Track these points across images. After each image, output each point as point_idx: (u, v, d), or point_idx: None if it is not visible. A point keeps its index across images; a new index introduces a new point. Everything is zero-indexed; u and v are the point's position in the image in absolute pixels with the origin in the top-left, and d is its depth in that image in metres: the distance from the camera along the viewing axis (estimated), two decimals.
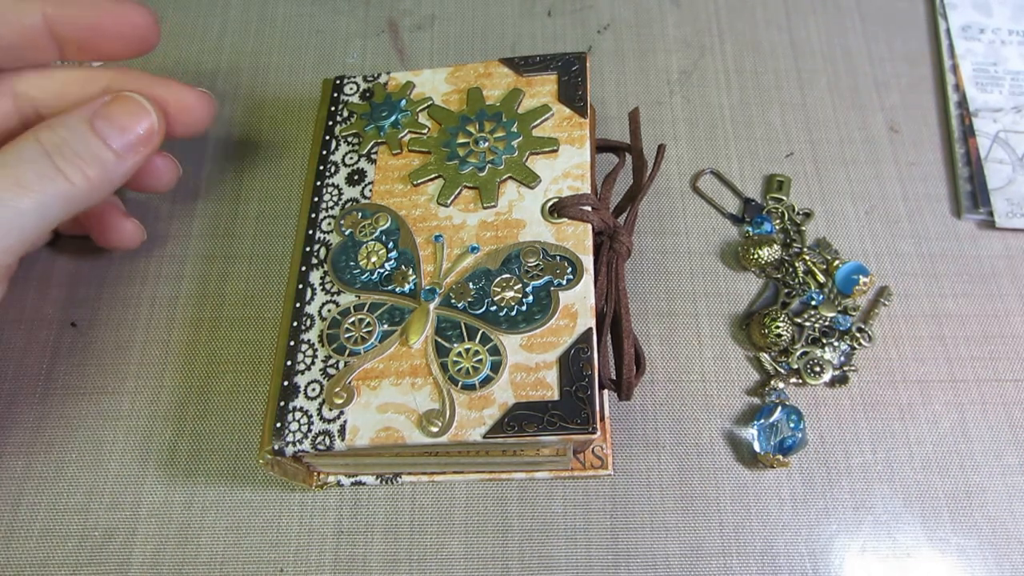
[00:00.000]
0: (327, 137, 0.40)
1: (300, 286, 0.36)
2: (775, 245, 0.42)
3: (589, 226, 0.35)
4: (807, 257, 0.42)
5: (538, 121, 0.38)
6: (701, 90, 0.48)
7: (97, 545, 0.36)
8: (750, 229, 0.44)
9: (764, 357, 0.41)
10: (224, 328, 0.41)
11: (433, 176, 0.37)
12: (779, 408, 0.39)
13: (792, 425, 0.38)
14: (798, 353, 0.40)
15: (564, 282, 0.34)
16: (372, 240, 0.36)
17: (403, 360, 0.33)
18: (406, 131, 0.39)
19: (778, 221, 0.44)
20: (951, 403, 0.40)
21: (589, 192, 0.36)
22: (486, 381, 0.32)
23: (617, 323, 0.36)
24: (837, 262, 0.42)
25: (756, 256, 0.42)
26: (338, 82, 0.41)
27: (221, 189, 0.44)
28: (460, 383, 0.32)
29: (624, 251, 0.36)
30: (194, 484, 0.38)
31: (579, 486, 0.38)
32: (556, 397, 0.32)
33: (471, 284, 0.35)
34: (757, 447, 0.38)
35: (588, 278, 0.34)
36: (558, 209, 0.36)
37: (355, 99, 0.41)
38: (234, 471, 0.38)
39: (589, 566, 0.36)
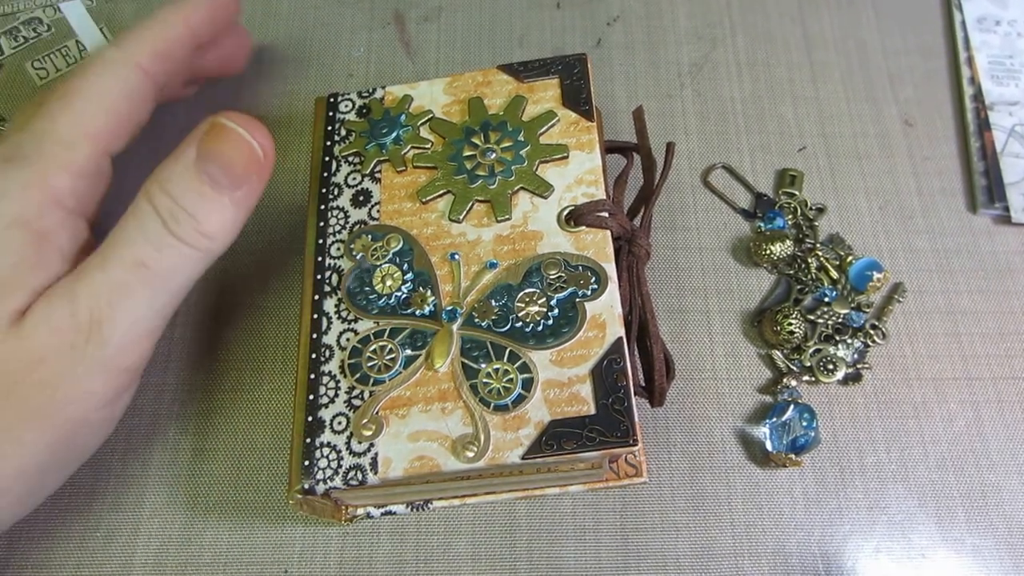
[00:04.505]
0: (326, 158, 0.39)
1: (315, 316, 0.35)
2: (787, 241, 0.41)
3: (608, 233, 0.35)
4: (820, 253, 0.42)
5: (544, 128, 0.37)
6: (712, 83, 0.47)
7: (99, 546, 0.36)
8: (762, 224, 0.43)
9: (776, 355, 0.40)
10: (228, 325, 0.41)
11: (442, 192, 0.36)
12: (791, 406, 0.38)
13: (805, 424, 0.38)
14: (811, 350, 0.40)
15: (589, 292, 0.33)
16: (386, 263, 0.35)
17: (430, 385, 0.32)
18: (409, 147, 0.38)
19: (790, 216, 0.43)
20: (966, 401, 0.40)
21: (605, 198, 0.35)
22: (519, 400, 0.32)
23: (643, 328, 0.35)
24: (850, 258, 0.42)
25: (768, 252, 0.41)
26: (332, 100, 0.40)
27: None
28: (492, 404, 0.32)
29: (643, 254, 0.36)
30: (197, 484, 0.37)
31: None
32: (592, 411, 0.31)
33: (493, 301, 0.34)
34: (769, 446, 0.38)
35: (613, 286, 0.33)
36: (575, 217, 0.35)
37: (351, 116, 0.39)
38: (238, 470, 0.38)
39: (599, 566, 0.36)
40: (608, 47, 0.48)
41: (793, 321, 0.39)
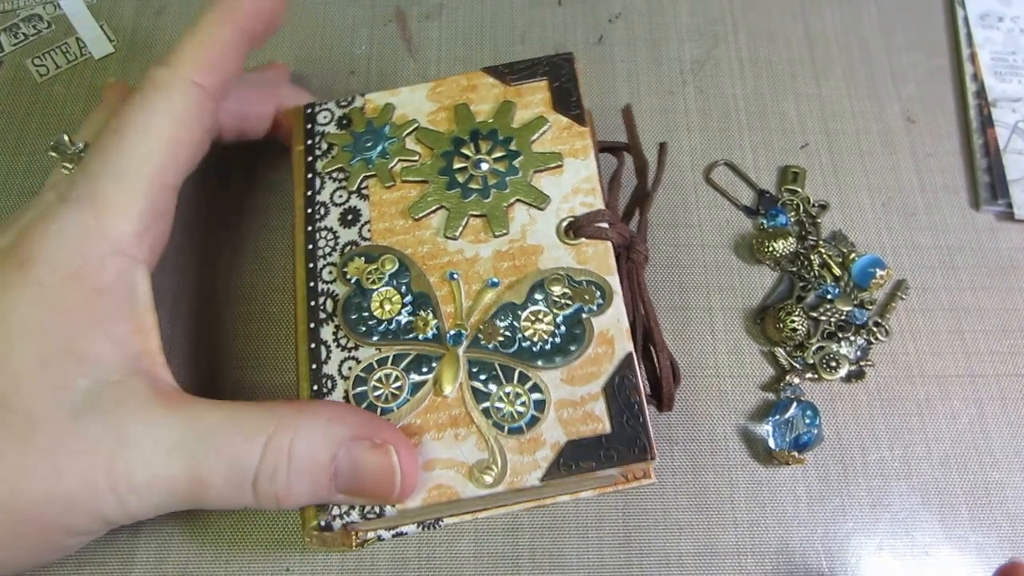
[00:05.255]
0: (309, 175, 0.37)
1: (312, 345, 0.33)
2: (790, 238, 0.41)
3: (610, 244, 0.34)
4: (823, 250, 0.42)
5: (536, 135, 0.36)
6: (715, 80, 0.47)
7: (101, 543, 0.36)
8: (764, 222, 0.43)
9: (779, 352, 0.40)
10: (229, 323, 0.40)
11: (435, 208, 0.35)
12: (794, 404, 0.38)
13: (808, 421, 0.38)
14: (814, 348, 0.40)
15: (595, 307, 0.32)
16: (383, 286, 0.34)
17: (440, 411, 0.32)
18: (396, 160, 0.36)
19: (793, 213, 0.43)
20: (970, 398, 0.40)
21: (603, 208, 0.34)
22: (533, 422, 0.31)
23: (647, 335, 0.35)
24: (853, 255, 0.41)
25: (771, 249, 0.41)
26: (309, 111, 0.38)
27: (224, 181, 0.44)
28: (506, 428, 0.31)
29: (642, 260, 0.35)
30: None
31: None
32: (608, 429, 0.31)
33: (498, 322, 0.33)
34: (772, 443, 0.37)
35: (618, 300, 0.33)
36: (575, 229, 0.34)
37: (332, 128, 0.37)
38: None
39: (601, 564, 0.36)
40: (610, 44, 0.48)
41: (796, 318, 0.39)
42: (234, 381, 0.39)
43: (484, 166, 0.36)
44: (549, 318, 0.33)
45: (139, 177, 0.31)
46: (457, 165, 0.36)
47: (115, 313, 0.29)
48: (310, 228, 0.36)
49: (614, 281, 0.33)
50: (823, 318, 0.40)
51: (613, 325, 0.32)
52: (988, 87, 0.47)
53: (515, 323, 0.33)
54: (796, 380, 0.39)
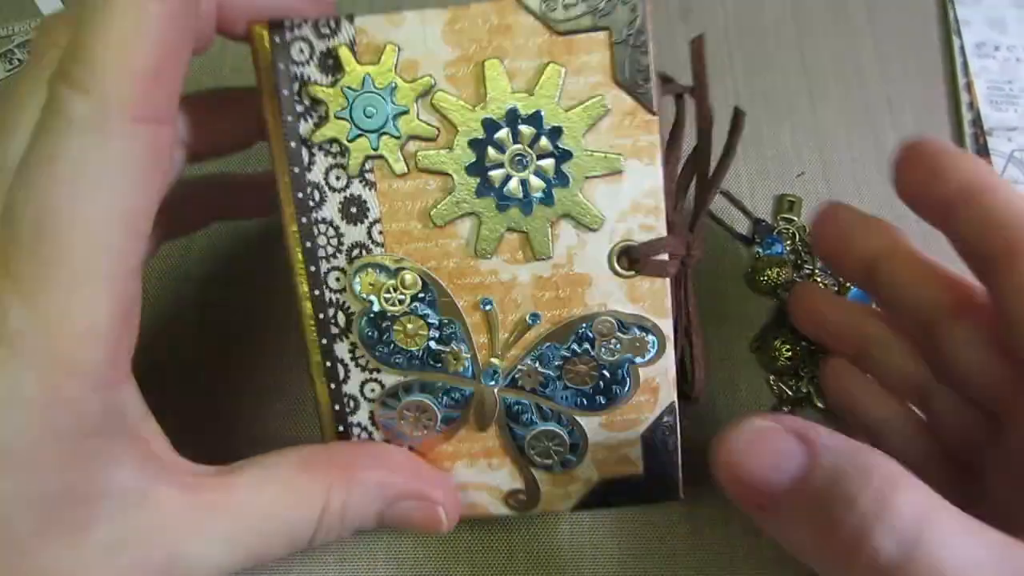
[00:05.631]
0: (293, 144, 0.27)
1: (328, 363, 0.30)
2: (786, 266, 0.41)
3: (668, 280, 0.29)
4: (818, 279, 0.42)
5: (591, 124, 0.27)
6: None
7: None
8: (760, 250, 0.43)
9: (773, 380, 0.40)
10: (229, 331, 0.41)
11: (463, 214, 0.28)
12: None
13: None
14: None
15: (645, 358, 0.30)
16: (404, 312, 0.29)
17: (474, 442, 0.31)
18: (407, 137, 0.28)
19: (789, 242, 0.43)
20: None
21: (665, 235, 0.29)
22: (568, 464, 0.31)
23: (688, 343, 0.34)
24: (849, 284, 0.41)
25: (767, 278, 0.41)
26: (277, 39, 0.26)
27: None
28: (540, 464, 0.31)
29: (693, 263, 0.31)
30: None
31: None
32: (641, 471, 0.31)
33: (538, 365, 0.30)
34: None
35: (670, 348, 0.29)
36: (630, 260, 0.29)
37: (313, 71, 0.27)
38: None
39: None
40: None
41: (791, 347, 0.39)
42: (235, 384, 0.40)
43: (525, 165, 0.28)
44: (593, 364, 0.30)
45: (93, 278, 0.22)
46: (491, 160, 0.28)
47: (111, 445, 0.25)
48: (304, 220, 0.28)
49: (667, 327, 0.29)
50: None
51: (660, 375, 0.30)
52: (984, 116, 0.47)
53: (555, 366, 0.30)
54: (790, 409, 0.39)
